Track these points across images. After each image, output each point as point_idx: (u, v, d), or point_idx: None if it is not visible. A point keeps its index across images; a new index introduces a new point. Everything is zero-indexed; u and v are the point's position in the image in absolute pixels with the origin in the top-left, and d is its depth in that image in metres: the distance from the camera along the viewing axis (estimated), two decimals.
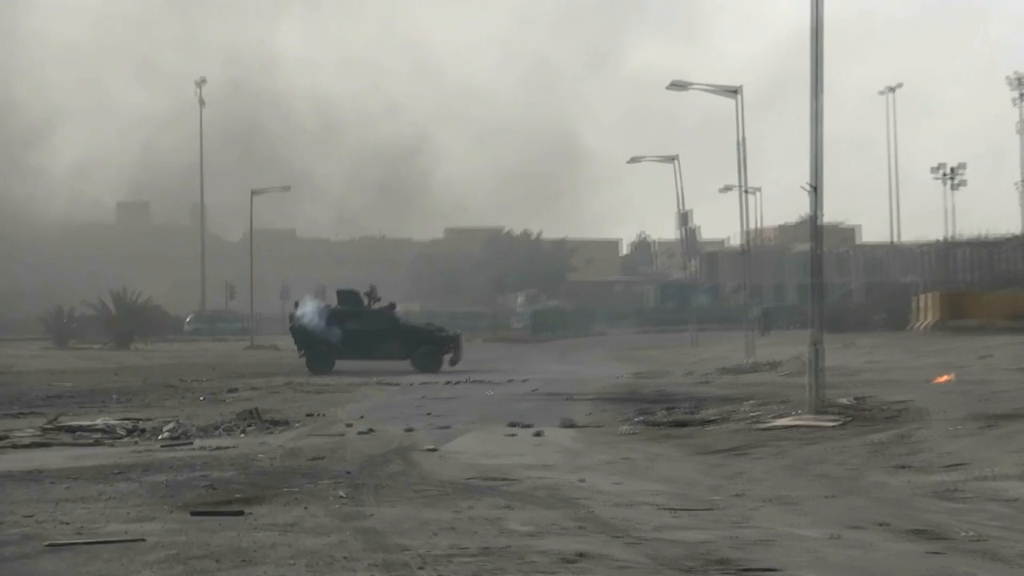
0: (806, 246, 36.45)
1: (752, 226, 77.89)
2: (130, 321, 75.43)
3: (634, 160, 70.07)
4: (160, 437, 22.35)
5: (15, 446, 20.82)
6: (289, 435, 23.22)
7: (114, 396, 33.38)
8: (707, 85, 47.47)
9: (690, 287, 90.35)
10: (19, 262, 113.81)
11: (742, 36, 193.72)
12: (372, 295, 47.30)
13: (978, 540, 12.05)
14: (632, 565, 10.67)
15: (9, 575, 10.54)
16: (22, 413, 27.80)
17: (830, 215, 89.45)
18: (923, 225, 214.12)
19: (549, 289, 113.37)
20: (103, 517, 13.28)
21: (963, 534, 12.34)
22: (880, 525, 12.97)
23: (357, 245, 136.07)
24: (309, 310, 46.84)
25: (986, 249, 78.30)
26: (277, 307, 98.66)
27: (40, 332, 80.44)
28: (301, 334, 47.58)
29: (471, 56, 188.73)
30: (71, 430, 22.85)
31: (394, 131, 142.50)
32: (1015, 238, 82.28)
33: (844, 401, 26.85)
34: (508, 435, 23.02)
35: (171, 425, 23.58)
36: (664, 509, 14.09)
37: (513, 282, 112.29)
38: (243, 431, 23.68)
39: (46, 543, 11.62)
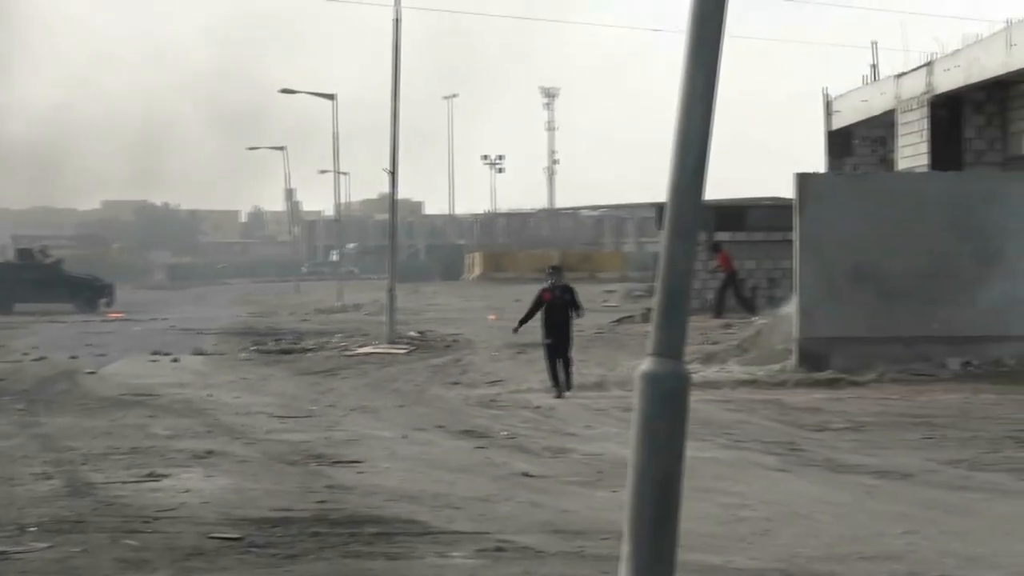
0: (384, 216, 42.37)
1: (343, 200, 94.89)
2: None
3: (252, 148, 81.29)
4: None
5: None
6: None
7: None
8: (310, 92, 50.92)
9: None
10: None
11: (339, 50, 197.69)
12: (44, 253, 53.73)
13: (512, 437, 13.89)
14: (249, 459, 12.20)
15: None
16: None
17: (403, 192, 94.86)
18: (473, 200, 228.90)
19: (186, 248, 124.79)
20: None
21: (501, 433, 14.16)
22: (439, 427, 14.81)
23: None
24: None
25: (519, 219, 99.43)
26: None
27: None
28: None
29: None
30: None
31: None
32: (541, 211, 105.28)
33: (412, 334, 29.56)
34: (152, 361, 24.75)
35: None
36: (274, 417, 15.57)
37: (156, 242, 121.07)
38: None
39: None
